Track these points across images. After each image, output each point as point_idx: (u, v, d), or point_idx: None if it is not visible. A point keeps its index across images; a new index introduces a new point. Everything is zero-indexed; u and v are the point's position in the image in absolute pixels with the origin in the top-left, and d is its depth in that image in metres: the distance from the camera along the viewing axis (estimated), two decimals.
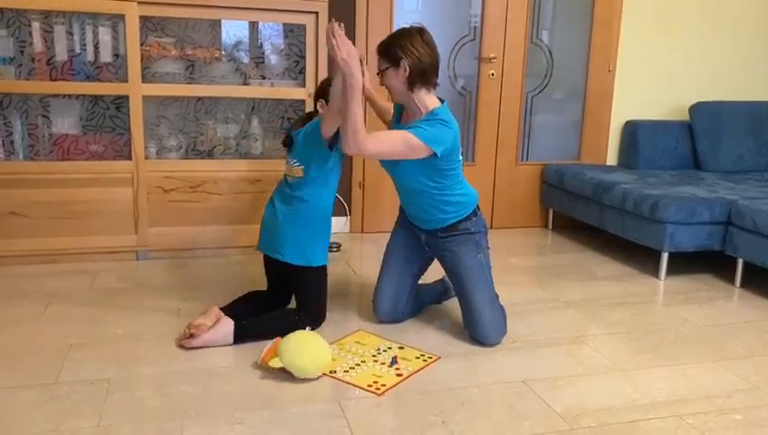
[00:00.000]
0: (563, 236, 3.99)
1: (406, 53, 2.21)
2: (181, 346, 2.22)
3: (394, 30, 2.40)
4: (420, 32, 2.26)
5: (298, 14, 3.19)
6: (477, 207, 2.41)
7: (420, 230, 2.45)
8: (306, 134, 2.34)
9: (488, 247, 2.43)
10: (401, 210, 2.56)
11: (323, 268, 2.42)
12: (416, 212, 2.41)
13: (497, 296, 2.42)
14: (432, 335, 2.40)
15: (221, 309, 2.34)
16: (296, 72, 3.39)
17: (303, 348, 2.01)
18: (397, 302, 2.48)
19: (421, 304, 2.62)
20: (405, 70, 2.22)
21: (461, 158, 2.35)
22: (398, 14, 3.69)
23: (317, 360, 2.02)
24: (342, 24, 2.08)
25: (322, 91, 2.36)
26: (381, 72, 2.28)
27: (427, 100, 2.28)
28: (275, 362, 2.01)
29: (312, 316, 2.37)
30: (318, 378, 2.04)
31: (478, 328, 2.34)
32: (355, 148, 2.12)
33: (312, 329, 2.23)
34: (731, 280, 3.14)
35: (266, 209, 2.46)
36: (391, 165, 2.35)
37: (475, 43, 3.86)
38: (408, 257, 2.50)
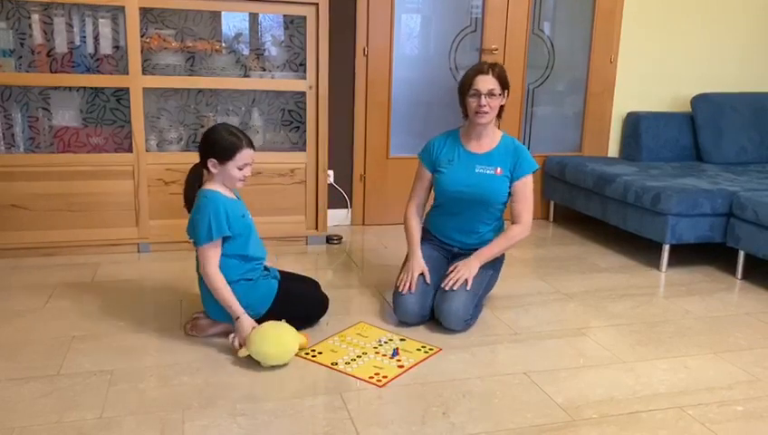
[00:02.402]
0: (565, 229, 3.99)
1: (509, 86, 2.49)
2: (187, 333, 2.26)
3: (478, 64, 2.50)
4: None
5: (298, 5, 3.18)
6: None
7: (457, 248, 2.55)
8: (197, 211, 2.13)
9: (498, 275, 2.58)
10: (426, 238, 2.61)
11: (281, 294, 2.24)
12: (469, 226, 2.52)
13: (481, 302, 2.46)
14: (433, 327, 2.40)
15: None
16: (296, 63, 3.38)
17: (266, 335, 2.03)
18: (424, 301, 2.41)
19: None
20: (504, 99, 2.47)
21: None
22: (399, 4, 3.68)
23: (278, 343, 2.02)
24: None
25: (212, 148, 2.11)
26: (493, 95, 2.40)
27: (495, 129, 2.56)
28: (242, 352, 2.04)
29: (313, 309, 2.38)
30: (285, 365, 2.03)
31: (445, 304, 2.33)
32: (528, 231, 2.49)
33: (322, 312, 2.22)
34: (732, 272, 3.14)
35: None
36: (482, 181, 2.45)
37: (477, 34, 3.84)
38: (434, 265, 2.49)
